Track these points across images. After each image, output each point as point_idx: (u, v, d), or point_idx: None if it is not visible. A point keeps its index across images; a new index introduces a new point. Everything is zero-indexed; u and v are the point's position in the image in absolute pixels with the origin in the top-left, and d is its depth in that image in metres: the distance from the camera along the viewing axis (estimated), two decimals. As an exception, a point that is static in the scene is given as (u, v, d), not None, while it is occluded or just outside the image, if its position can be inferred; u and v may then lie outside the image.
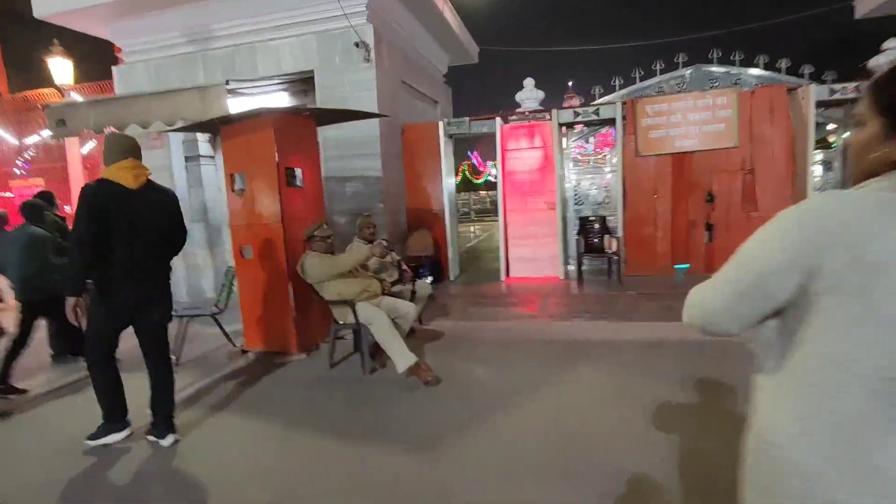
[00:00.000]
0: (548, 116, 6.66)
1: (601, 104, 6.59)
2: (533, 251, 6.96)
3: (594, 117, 6.49)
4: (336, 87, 6.32)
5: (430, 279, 6.77)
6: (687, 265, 6.68)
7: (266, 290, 4.44)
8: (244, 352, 4.62)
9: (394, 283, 4.97)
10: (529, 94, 7.02)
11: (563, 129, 7.07)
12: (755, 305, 0.90)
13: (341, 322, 4.04)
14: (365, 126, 6.27)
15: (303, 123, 4.72)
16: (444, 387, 3.63)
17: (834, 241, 0.79)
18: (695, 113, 6.31)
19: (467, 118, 6.83)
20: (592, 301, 5.77)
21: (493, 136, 6.95)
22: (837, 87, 5.87)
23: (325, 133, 6.45)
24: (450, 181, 7.27)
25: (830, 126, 7.41)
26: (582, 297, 5.95)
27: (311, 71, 6.42)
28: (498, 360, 4.20)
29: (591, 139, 7.26)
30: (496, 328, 5.16)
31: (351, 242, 5.00)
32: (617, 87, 7.06)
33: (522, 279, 6.96)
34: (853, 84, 5.88)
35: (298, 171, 4.56)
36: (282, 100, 6.87)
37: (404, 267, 5.18)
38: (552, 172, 6.69)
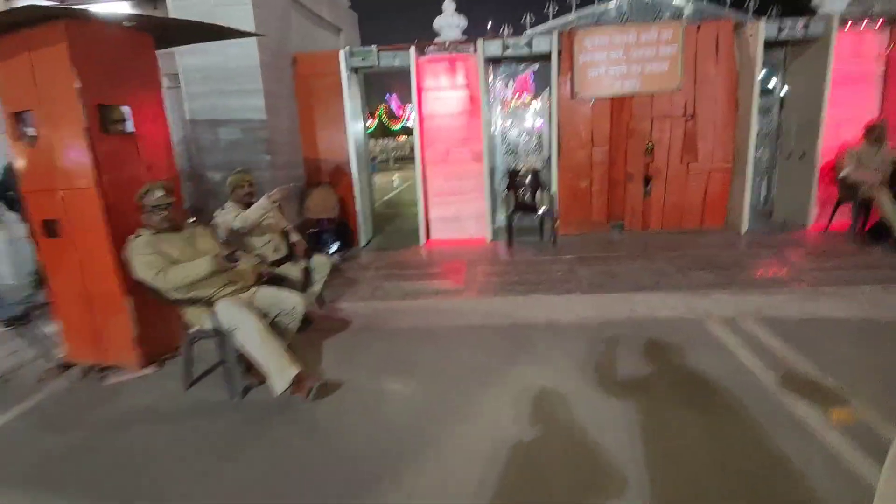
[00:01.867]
0: (472, 48, 5.54)
1: (535, 35, 5.57)
2: (457, 209, 6.02)
3: (526, 50, 5.48)
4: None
5: (334, 248, 5.65)
6: (621, 223, 6.11)
7: (87, 281, 3.12)
8: (64, 367, 3.31)
9: (280, 262, 3.85)
10: (450, 21, 5.83)
11: (491, 65, 6.03)
12: None
13: (195, 327, 2.88)
14: (239, 53, 4.81)
15: (129, 41, 3.25)
16: (351, 416, 2.65)
17: None
18: (637, 49, 5.50)
19: (374, 47, 5.53)
20: (525, 269, 5.00)
21: (408, 72, 5.74)
22: (791, 22, 5.28)
23: (185, 62, 4.92)
24: (357, 125, 6.02)
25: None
26: (513, 265, 5.15)
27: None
28: (419, 361, 3.28)
29: (511, 82, 6.27)
30: (415, 310, 4.23)
31: (220, 209, 3.76)
32: (551, 16, 6.06)
33: (446, 242, 6.04)
34: (802, 21, 5.33)
35: (124, 111, 3.16)
36: (121, 10, 5.12)
37: (294, 238, 4.03)
38: (478, 117, 5.67)
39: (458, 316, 4.03)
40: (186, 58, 4.88)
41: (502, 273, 4.94)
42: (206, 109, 5.01)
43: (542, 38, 5.49)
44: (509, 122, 6.30)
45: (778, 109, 6.11)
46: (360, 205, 5.96)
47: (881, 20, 5.40)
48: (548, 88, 5.83)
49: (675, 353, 3.13)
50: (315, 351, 3.45)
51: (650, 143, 5.82)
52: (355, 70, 5.88)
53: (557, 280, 4.66)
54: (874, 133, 5.08)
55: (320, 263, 4.02)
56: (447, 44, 5.60)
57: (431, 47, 5.61)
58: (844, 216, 5.40)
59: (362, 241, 6.05)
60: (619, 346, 3.28)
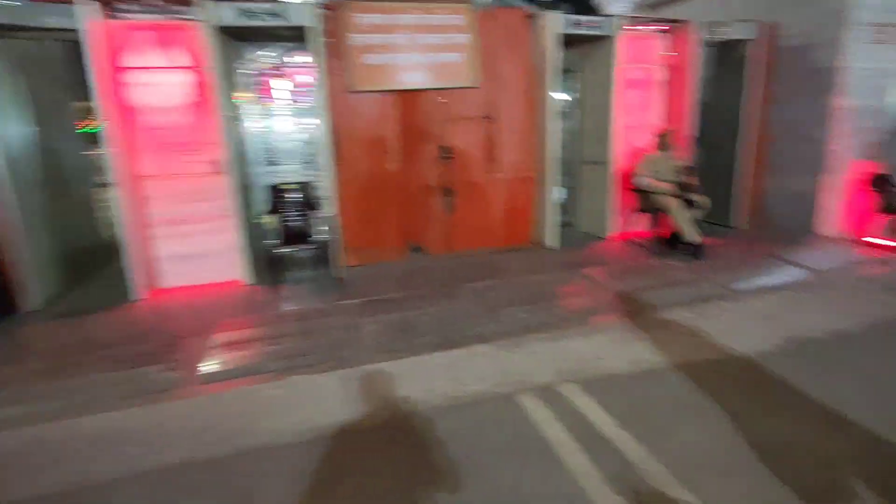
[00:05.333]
0: (192, 13, 3.82)
1: (286, 1, 4.09)
2: (194, 243, 4.23)
3: (276, 21, 3.97)
4: None
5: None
6: (419, 247, 5.05)
7: None
8: None
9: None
10: (164, -27, 4.01)
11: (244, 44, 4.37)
12: None
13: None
14: None
15: None
16: None
17: None
18: (425, 34, 4.44)
19: (18, 1, 3.44)
20: (290, 326, 3.52)
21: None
22: (583, 18, 4.75)
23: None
24: (13, 127, 3.82)
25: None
26: (273, 322, 3.62)
27: None
28: None
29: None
30: (77, 438, 2.42)
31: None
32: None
33: (182, 290, 4.20)
34: (597, 18, 4.87)
35: None
36: None
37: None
38: (213, 112, 3.98)
39: (144, 448, 2.35)
40: None
41: (254, 339, 3.37)
42: None
43: (299, 9, 4.04)
44: (270, 121, 4.72)
45: (580, 114, 5.69)
46: (25, 246, 3.76)
47: (665, 26, 5.22)
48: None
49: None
50: None
51: (448, 149, 4.83)
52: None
53: (332, 344, 3.28)
54: (662, 140, 4.84)
55: None
56: (155, 3, 3.79)
57: (127, 5, 3.74)
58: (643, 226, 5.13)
59: (34, 303, 3.85)
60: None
